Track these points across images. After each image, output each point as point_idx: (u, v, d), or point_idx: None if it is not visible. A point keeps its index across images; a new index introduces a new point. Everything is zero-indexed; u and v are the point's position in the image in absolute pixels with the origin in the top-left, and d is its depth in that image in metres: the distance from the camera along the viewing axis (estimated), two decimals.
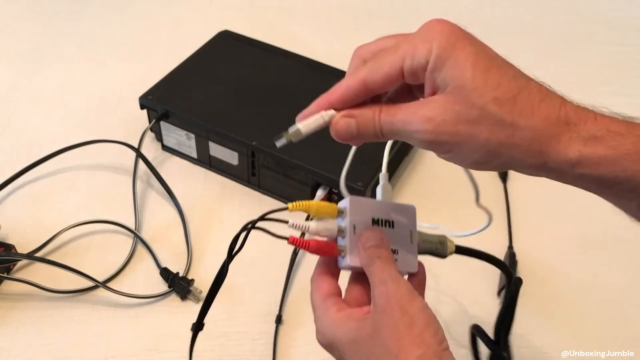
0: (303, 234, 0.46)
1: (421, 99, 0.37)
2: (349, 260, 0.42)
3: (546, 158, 0.34)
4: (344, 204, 0.43)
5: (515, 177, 0.82)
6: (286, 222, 0.41)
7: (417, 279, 0.44)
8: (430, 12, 1.10)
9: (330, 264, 0.44)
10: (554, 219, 0.78)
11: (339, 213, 0.43)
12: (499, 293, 0.69)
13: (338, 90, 0.38)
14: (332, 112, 0.39)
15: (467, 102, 0.34)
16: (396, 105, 0.37)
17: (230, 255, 0.42)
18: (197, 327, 0.47)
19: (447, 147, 0.35)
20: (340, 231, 0.43)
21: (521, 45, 1.07)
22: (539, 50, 1.07)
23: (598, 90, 0.99)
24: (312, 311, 0.43)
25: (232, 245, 0.42)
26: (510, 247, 0.74)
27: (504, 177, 0.82)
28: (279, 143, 0.40)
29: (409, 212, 0.45)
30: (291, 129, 0.40)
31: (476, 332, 0.50)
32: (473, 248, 0.48)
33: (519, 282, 0.46)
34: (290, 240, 0.41)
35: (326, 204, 0.42)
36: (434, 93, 0.36)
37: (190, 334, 0.48)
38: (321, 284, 0.43)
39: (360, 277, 0.42)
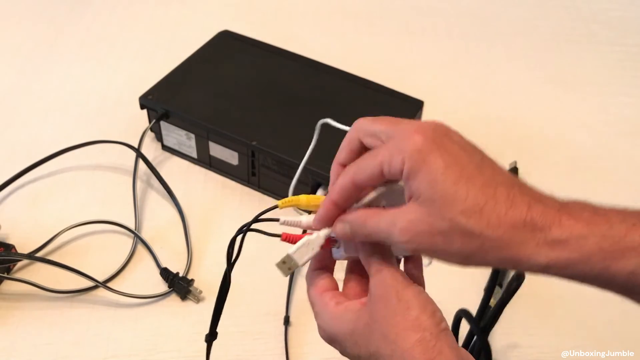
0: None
1: (402, 206, 0.38)
2: (344, 250, 0.42)
3: (517, 263, 0.36)
4: None
5: None
6: (278, 220, 0.42)
7: (413, 261, 0.44)
8: (430, 12, 1.10)
9: (323, 259, 0.44)
10: None
11: None
12: (485, 290, 0.68)
13: (336, 190, 0.40)
14: (324, 231, 0.41)
15: (438, 215, 0.35)
16: (380, 212, 0.39)
17: (230, 263, 0.43)
18: (211, 337, 0.47)
19: (427, 254, 0.38)
20: None
21: (521, 45, 1.07)
22: (539, 50, 1.07)
23: (598, 91, 0.99)
24: (311, 308, 0.43)
25: (230, 250, 0.42)
26: None
27: None
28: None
29: (399, 191, 0.43)
30: (294, 260, 0.41)
31: (464, 315, 0.51)
32: None
33: (522, 278, 0.47)
34: (283, 237, 0.42)
35: (315, 196, 0.43)
36: (411, 197, 0.37)
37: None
38: (317, 279, 0.43)
39: (356, 268, 0.43)
